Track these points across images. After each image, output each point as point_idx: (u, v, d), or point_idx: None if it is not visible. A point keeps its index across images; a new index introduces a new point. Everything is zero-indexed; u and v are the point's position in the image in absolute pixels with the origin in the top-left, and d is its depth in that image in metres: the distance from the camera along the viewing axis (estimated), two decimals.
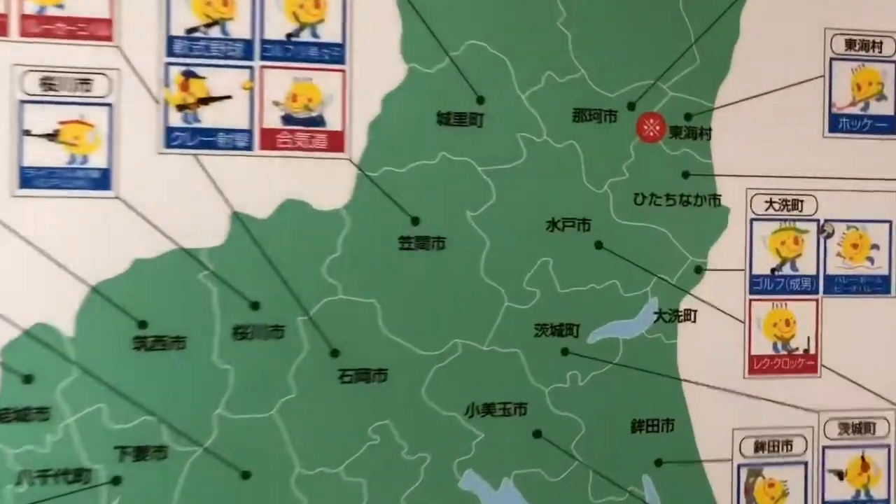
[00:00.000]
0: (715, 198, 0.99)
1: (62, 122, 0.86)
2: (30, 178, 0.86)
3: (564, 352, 0.96)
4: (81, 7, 0.88)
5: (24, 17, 0.87)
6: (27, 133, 0.86)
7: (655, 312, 0.97)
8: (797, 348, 1.00)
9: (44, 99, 0.86)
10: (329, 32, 0.93)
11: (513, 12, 0.97)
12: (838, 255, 1.01)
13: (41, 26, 0.87)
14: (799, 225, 1.01)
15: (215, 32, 0.91)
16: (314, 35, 0.93)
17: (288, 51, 0.92)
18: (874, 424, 1.04)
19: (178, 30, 0.91)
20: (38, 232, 0.86)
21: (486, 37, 0.95)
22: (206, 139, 0.89)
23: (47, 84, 0.87)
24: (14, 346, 0.85)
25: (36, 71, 0.87)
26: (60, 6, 0.88)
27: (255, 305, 0.90)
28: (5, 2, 0.87)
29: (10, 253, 0.85)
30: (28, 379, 0.85)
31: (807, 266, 1.01)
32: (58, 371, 0.86)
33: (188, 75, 0.90)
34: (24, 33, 0.87)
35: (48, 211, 0.86)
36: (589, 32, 0.97)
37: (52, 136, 0.86)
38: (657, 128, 0.99)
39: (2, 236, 0.85)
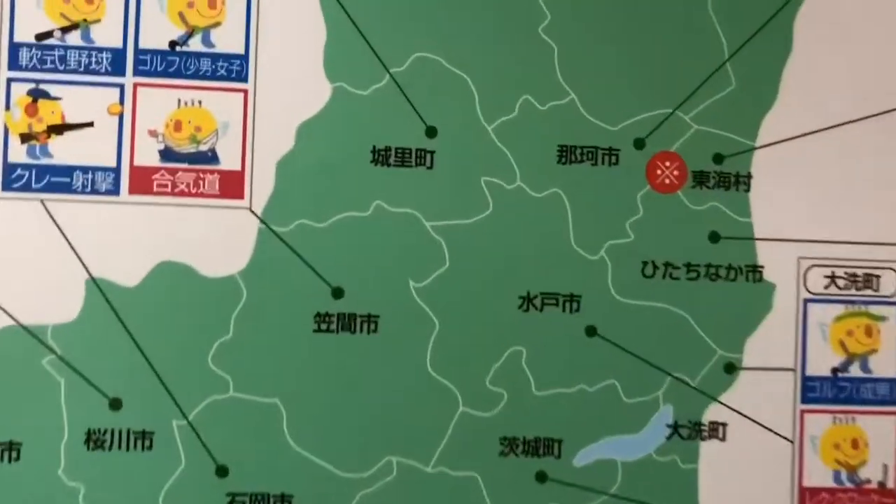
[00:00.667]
0: (755, 270, 0.76)
1: None
2: None
3: (541, 477, 0.74)
4: None
5: None
6: None
7: (669, 426, 0.75)
8: (869, 480, 0.77)
9: None
10: (227, 40, 0.72)
11: (478, 15, 0.73)
12: None
13: None
14: (873, 309, 0.77)
15: (74, 39, 0.70)
16: (207, 43, 0.71)
17: (171, 64, 0.71)
18: None
19: (24, 35, 0.70)
20: None
21: (440, 48, 0.73)
22: (57, 180, 0.70)
23: None
24: None
25: None
26: None
27: (115, 404, 0.71)
28: None
29: None
30: None
31: (884, 366, 0.77)
32: None
33: (36, 95, 0.70)
34: None
35: None
36: (583, 42, 0.75)
37: None
38: (675, 173, 0.74)
39: None
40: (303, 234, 0.71)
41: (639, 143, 0.74)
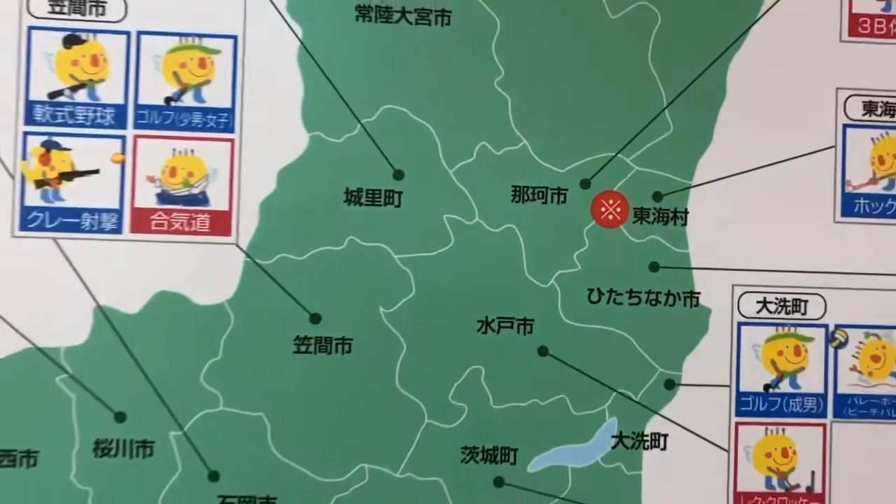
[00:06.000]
0: (692, 296, 0.83)
1: None
2: None
3: (498, 482, 0.81)
4: None
5: None
6: None
7: (614, 436, 0.82)
8: (798, 485, 0.84)
9: None
10: (216, 95, 0.80)
11: (440, 71, 0.81)
12: (853, 369, 0.83)
13: None
14: (801, 331, 0.84)
15: (82, 97, 0.79)
16: (198, 99, 0.80)
17: (167, 117, 0.79)
18: None
19: (38, 94, 0.79)
20: None
21: (406, 100, 0.82)
22: (68, 220, 0.79)
23: None
24: None
25: None
26: None
27: (120, 416, 0.79)
28: None
29: None
30: None
31: (812, 382, 0.84)
32: None
33: (49, 146, 0.79)
34: None
35: None
36: (534, 94, 0.83)
37: None
38: (618, 210, 0.82)
39: None
40: (284, 266, 0.80)
41: (585, 184, 0.82)
